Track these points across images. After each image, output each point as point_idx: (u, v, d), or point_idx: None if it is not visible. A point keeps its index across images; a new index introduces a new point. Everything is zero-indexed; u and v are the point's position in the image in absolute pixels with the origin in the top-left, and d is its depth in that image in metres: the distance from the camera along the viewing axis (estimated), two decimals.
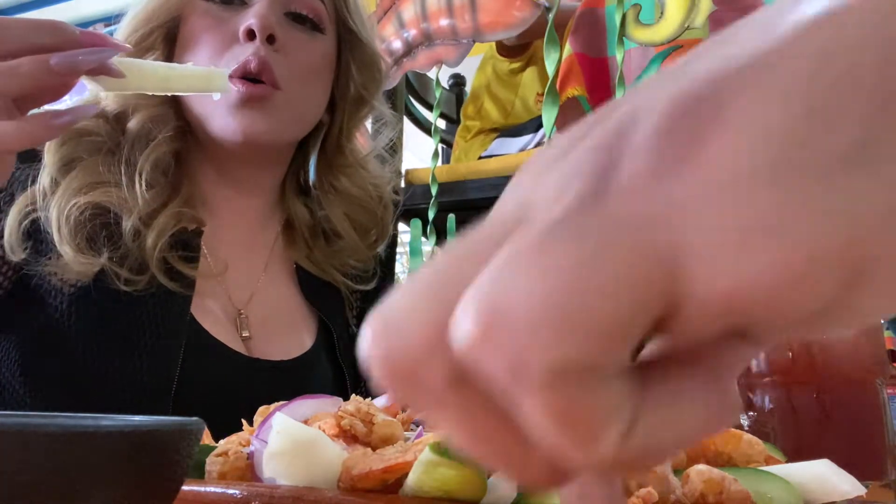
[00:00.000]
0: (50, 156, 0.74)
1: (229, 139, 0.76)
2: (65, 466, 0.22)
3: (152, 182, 0.75)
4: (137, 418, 0.25)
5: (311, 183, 0.90)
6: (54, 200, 0.71)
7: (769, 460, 0.40)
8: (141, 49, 0.77)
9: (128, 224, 0.73)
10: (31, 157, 0.75)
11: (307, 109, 0.83)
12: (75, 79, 0.56)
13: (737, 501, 0.33)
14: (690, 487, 0.33)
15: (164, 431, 0.25)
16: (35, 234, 0.73)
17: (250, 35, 0.75)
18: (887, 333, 2.16)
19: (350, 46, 0.86)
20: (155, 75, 0.61)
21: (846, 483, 0.36)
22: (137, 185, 0.74)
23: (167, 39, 0.79)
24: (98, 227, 0.73)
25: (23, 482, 0.22)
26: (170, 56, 0.79)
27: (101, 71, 0.56)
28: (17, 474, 0.21)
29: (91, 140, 0.76)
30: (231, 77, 0.73)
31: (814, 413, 0.52)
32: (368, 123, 1.00)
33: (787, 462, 0.40)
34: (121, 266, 0.72)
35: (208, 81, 0.65)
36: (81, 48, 0.53)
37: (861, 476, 0.37)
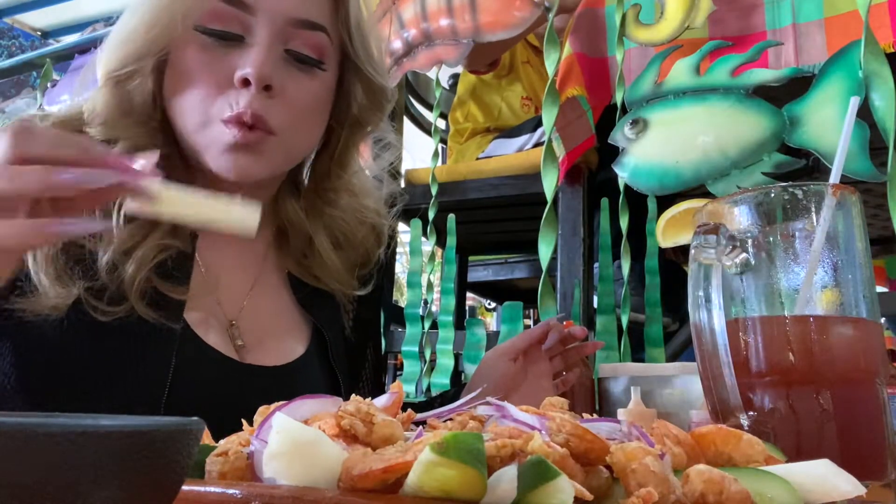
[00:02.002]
0: None
1: (222, 176, 0.76)
2: (65, 466, 0.22)
3: (131, 216, 0.73)
4: (137, 418, 0.25)
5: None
6: None
7: (769, 460, 0.40)
8: (128, 76, 0.75)
9: (103, 258, 0.72)
10: None
11: (301, 146, 0.82)
12: (96, 196, 0.56)
13: (737, 501, 0.33)
14: (690, 487, 0.33)
15: (164, 431, 0.25)
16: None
17: (246, 83, 0.73)
18: (887, 333, 2.16)
19: (353, 73, 0.83)
20: (189, 206, 0.59)
21: (846, 483, 0.36)
22: (115, 214, 0.72)
23: (156, 68, 0.76)
24: (73, 260, 0.71)
25: (23, 482, 0.22)
26: (158, 82, 0.76)
27: (121, 191, 0.55)
28: (17, 474, 0.21)
29: None
30: (224, 121, 0.73)
31: (814, 413, 0.52)
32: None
33: (787, 462, 0.40)
34: (98, 298, 0.71)
35: (241, 221, 0.61)
36: (104, 168, 0.53)
37: (861, 476, 0.37)
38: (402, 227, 2.04)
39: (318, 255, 0.87)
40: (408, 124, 2.21)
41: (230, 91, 0.74)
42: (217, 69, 0.74)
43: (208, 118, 0.74)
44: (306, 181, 0.90)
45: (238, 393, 0.75)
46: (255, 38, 0.74)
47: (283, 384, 0.79)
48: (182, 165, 0.80)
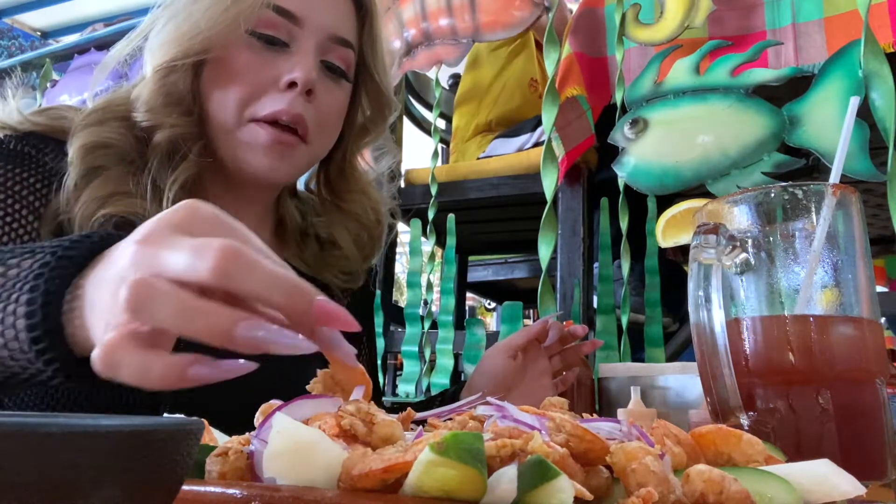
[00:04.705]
0: (75, 163, 0.75)
1: (251, 175, 0.81)
2: (65, 466, 0.22)
3: (175, 199, 0.78)
4: (137, 418, 0.25)
5: (305, 189, 0.97)
6: (77, 206, 0.73)
7: (769, 460, 0.40)
8: (174, 70, 0.79)
9: None
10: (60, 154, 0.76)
11: (322, 151, 0.89)
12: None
13: (737, 501, 0.33)
14: (690, 487, 0.33)
15: (164, 431, 0.25)
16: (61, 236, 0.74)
17: (292, 86, 0.79)
18: (887, 333, 2.16)
19: (367, 85, 0.91)
20: None
21: (846, 483, 0.36)
22: (165, 203, 0.76)
23: (196, 63, 0.80)
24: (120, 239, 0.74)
25: (23, 482, 0.22)
26: (197, 76, 0.80)
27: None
28: (17, 474, 0.21)
29: (117, 150, 0.78)
30: (260, 120, 0.78)
31: (814, 413, 0.52)
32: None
33: (787, 462, 0.40)
34: None
35: None
36: (312, 318, 0.41)
37: (861, 476, 0.37)
38: (402, 227, 2.05)
39: (317, 248, 0.93)
40: (408, 124, 2.20)
41: (272, 92, 0.79)
42: (262, 71, 0.79)
43: (247, 117, 0.79)
44: (316, 183, 0.97)
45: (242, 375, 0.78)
46: (300, 47, 0.81)
47: (283, 366, 0.83)
48: (213, 155, 0.84)
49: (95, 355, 0.38)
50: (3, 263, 0.48)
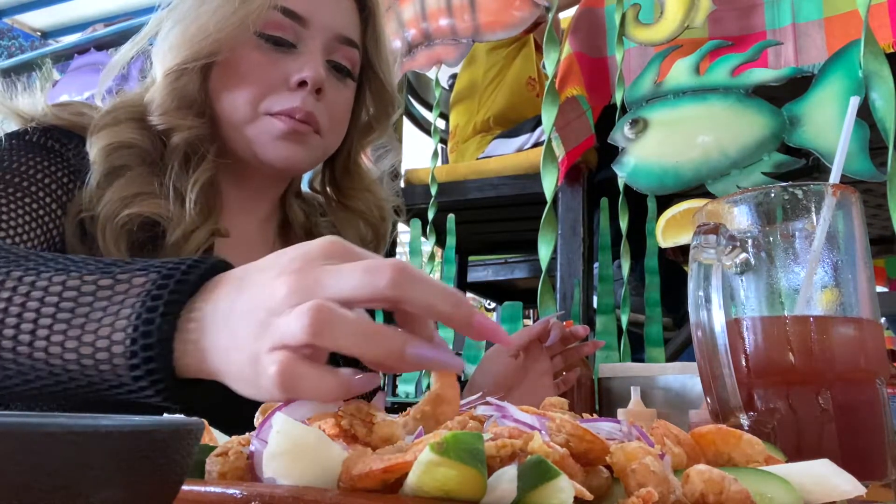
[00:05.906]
0: (98, 162, 0.75)
1: (270, 165, 0.82)
2: (65, 466, 0.22)
3: (196, 200, 0.79)
4: (137, 418, 0.25)
5: (309, 188, 0.98)
6: (101, 205, 0.74)
7: (769, 460, 0.40)
8: (185, 72, 0.79)
9: (171, 238, 0.77)
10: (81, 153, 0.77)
11: (332, 147, 0.91)
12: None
13: (737, 501, 0.33)
14: (690, 487, 0.33)
15: (164, 431, 0.25)
16: (87, 233, 0.75)
17: (302, 85, 0.80)
18: (887, 333, 2.16)
19: (371, 83, 0.93)
20: None
21: (846, 483, 0.36)
22: (188, 204, 0.78)
23: (204, 65, 0.81)
24: (145, 239, 0.76)
25: (22, 482, 0.22)
26: (206, 75, 0.81)
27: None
28: (16, 474, 0.21)
29: (138, 151, 0.79)
30: (274, 114, 0.79)
31: (814, 413, 0.52)
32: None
33: (787, 462, 0.40)
34: None
35: None
36: (471, 330, 0.43)
37: (861, 476, 0.37)
38: (402, 227, 2.05)
39: None
40: (408, 124, 2.20)
41: (282, 91, 0.81)
42: (271, 71, 0.81)
43: (259, 113, 0.81)
44: (321, 182, 0.98)
45: None
46: (307, 47, 0.82)
47: None
48: (228, 154, 0.84)
49: (272, 377, 0.40)
50: (112, 277, 0.48)
